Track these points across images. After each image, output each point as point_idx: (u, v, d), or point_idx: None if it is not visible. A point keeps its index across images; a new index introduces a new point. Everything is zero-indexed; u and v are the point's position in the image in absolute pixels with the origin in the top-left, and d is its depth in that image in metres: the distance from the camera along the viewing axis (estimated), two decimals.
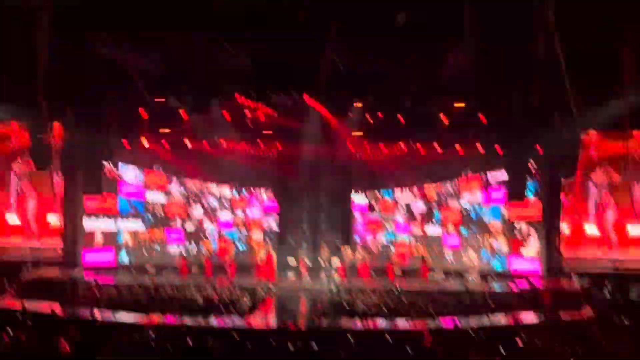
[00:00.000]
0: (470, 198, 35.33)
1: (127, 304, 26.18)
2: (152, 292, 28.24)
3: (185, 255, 35.39)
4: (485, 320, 24.36)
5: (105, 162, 32.63)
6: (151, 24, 23.49)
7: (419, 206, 38.23)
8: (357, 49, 25.04)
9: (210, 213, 39.04)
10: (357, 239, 39.97)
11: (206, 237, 38.43)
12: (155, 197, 36.59)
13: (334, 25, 23.23)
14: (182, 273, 33.48)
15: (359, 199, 40.27)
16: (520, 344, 19.66)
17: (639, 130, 27.33)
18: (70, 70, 26.69)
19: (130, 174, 34.89)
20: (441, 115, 32.24)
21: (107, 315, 24.58)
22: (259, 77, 27.02)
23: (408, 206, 38.75)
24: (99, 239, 33.15)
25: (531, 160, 31.39)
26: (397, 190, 38.91)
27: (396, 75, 28.35)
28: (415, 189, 38.19)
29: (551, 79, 21.79)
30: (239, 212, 39.97)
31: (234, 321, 23.78)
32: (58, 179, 31.17)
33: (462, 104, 30.96)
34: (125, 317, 24.14)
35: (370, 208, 40.02)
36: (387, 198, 39.64)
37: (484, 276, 31.89)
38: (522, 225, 32.63)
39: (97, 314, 23.69)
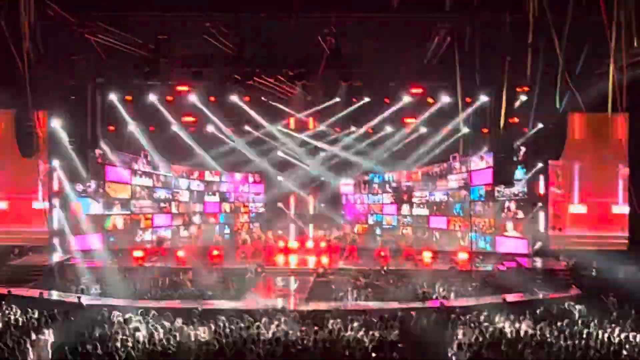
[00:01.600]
0: (458, 180, 35.41)
1: (115, 287, 26.28)
2: (142, 276, 28.35)
3: (173, 239, 35.31)
4: (472, 300, 24.52)
5: (91, 150, 32.44)
6: (135, 7, 23.39)
7: (407, 188, 38.32)
8: (344, 32, 24.96)
9: (196, 197, 39.06)
10: (345, 220, 40.06)
11: (193, 222, 38.47)
12: (141, 182, 36.50)
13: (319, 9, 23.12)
14: (172, 257, 33.25)
15: (347, 181, 40.33)
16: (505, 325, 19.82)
17: (622, 112, 27.43)
18: (54, 58, 26.48)
19: (117, 160, 34.81)
20: (428, 98, 32.21)
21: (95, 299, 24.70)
22: (244, 60, 26.88)
23: (396, 188, 38.82)
24: (85, 224, 33.02)
25: (518, 143, 31.45)
26: (386, 173, 38.96)
27: (384, 58, 28.29)
28: (403, 171, 38.24)
29: (537, 59, 21.75)
30: (226, 196, 39.99)
31: (224, 304, 23.90)
32: (44, 167, 31.02)
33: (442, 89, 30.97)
34: (113, 301, 24.22)
35: (358, 190, 40.11)
36: (375, 181, 39.73)
37: (472, 256, 31.92)
38: (511, 206, 32.76)
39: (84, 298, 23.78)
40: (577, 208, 31.66)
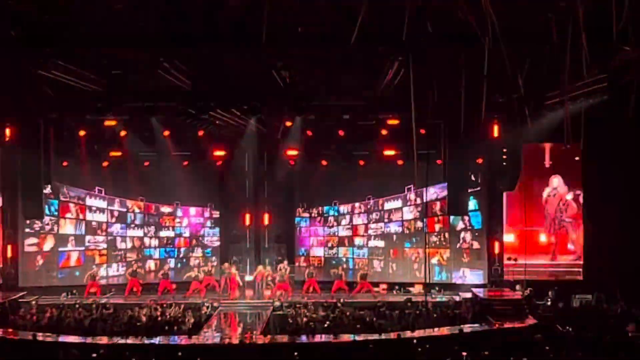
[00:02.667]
0: (413, 211, 35.54)
1: (69, 324, 26.00)
2: (95, 312, 28.08)
3: (128, 274, 34.95)
4: (429, 332, 24.56)
5: (46, 184, 32.13)
6: (89, 43, 23.26)
7: (362, 220, 38.38)
8: (296, 64, 25.04)
9: (151, 231, 38.79)
10: (301, 253, 39.98)
11: (148, 256, 38.19)
12: (96, 217, 36.16)
13: (273, 41, 23.14)
14: (126, 292, 32.94)
15: (302, 214, 40.28)
16: (465, 354, 19.84)
17: (575, 142, 27.72)
18: (7, 90, 26.29)
19: (70, 195, 34.46)
20: (381, 130, 32.30)
21: (49, 336, 24.37)
22: (199, 94, 26.88)
23: (352, 221, 38.87)
24: (39, 260, 32.65)
25: (472, 174, 31.65)
26: (341, 206, 38.99)
27: (336, 89, 28.39)
28: (358, 203, 38.31)
29: (492, 91, 21.91)
30: (180, 230, 39.75)
31: (178, 339, 23.72)
32: None
33: (396, 121, 31.02)
34: (68, 338, 23.93)
35: (315, 223, 40.08)
36: (331, 213, 39.73)
37: (428, 288, 31.97)
38: (466, 237, 32.95)
39: (39, 335, 23.46)
40: (533, 237, 32.00)
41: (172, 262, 38.34)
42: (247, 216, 37.84)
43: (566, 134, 16.28)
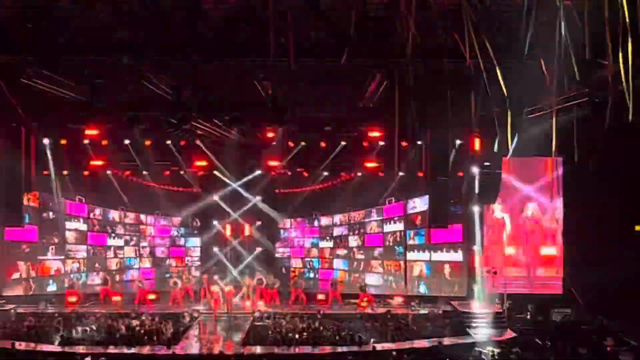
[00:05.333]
0: (394, 223, 35.61)
1: (49, 333, 25.92)
2: (74, 321, 27.97)
3: (107, 284, 34.84)
4: (409, 344, 24.60)
5: (26, 193, 31.99)
6: (71, 51, 23.20)
7: (343, 232, 38.44)
8: (278, 76, 25.04)
9: (131, 241, 38.72)
10: (282, 265, 39.98)
11: (127, 266, 38.11)
12: (76, 226, 36.04)
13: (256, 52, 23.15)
14: (104, 302, 32.83)
15: (284, 225, 40.32)
16: None
17: (552, 156, 27.83)
18: None
19: (51, 204, 34.38)
20: (363, 142, 32.32)
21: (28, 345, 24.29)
22: (180, 104, 26.81)
23: (332, 232, 38.92)
24: (20, 269, 32.57)
25: (452, 187, 31.72)
26: (322, 217, 39.04)
27: (317, 102, 28.40)
28: (339, 215, 38.36)
29: (473, 105, 21.96)
30: (159, 240, 39.69)
31: (157, 350, 23.67)
32: None
33: (379, 133, 31.04)
34: (47, 347, 23.86)
35: (297, 233, 40.11)
36: (313, 224, 39.77)
37: (407, 300, 32.02)
38: (446, 249, 33.04)
39: (18, 344, 23.39)
40: (511, 250, 32.07)
41: (153, 272, 38.29)
42: (228, 227, 37.82)
43: (554, 146, 16.34)
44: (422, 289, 34.03)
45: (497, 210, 32.28)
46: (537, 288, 31.30)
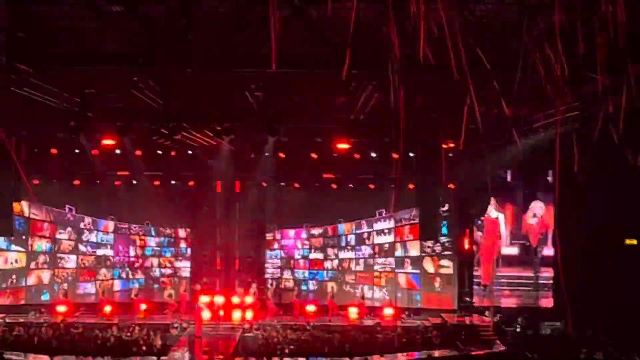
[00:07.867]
0: (384, 235, 35.58)
1: (38, 343, 25.82)
2: (63, 331, 27.85)
3: (99, 294, 34.74)
4: (399, 357, 24.56)
5: (16, 202, 31.88)
6: (62, 60, 23.14)
7: (333, 244, 38.36)
8: (270, 86, 25.00)
9: (121, 252, 38.57)
10: (271, 276, 39.85)
11: (120, 277, 37.97)
12: (66, 236, 35.91)
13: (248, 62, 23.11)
14: (96, 312, 32.70)
15: (274, 236, 40.23)
16: None
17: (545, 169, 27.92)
18: None
19: (41, 214, 34.30)
20: (354, 154, 32.25)
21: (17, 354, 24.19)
22: (171, 114, 26.75)
23: (323, 243, 38.83)
24: (8, 278, 32.45)
25: (443, 199, 31.72)
26: (313, 229, 38.94)
27: (309, 112, 28.36)
28: (329, 227, 38.28)
29: (462, 117, 21.92)
30: (150, 250, 39.54)
31: None
32: None
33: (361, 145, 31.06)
34: (36, 357, 23.79)
35: (287, 245, 40.00)
36: (303, 236, 39.69)
37: (398, 312, 31.98)
38: (436, 261, 33.02)
39: (7, 354, 23.29)
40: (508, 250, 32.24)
41: (143, 282, 38.15)
42: (218, 237, 37.74)
43: (557, 157, 16.29)
44: (413, 301, 33.94)
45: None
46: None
